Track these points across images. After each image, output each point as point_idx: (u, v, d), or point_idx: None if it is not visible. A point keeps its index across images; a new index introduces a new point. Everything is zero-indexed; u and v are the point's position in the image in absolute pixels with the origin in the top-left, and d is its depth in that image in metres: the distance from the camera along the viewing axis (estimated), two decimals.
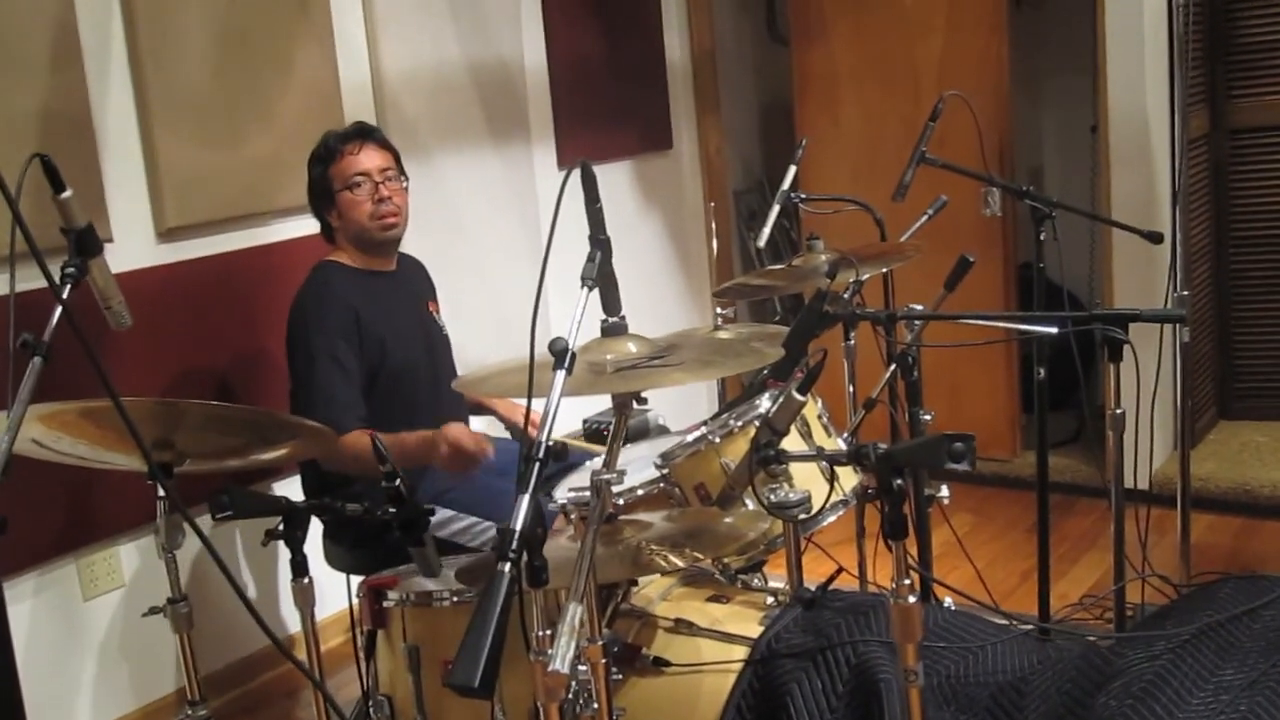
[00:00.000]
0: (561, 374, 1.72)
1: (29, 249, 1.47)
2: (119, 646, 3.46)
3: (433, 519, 2.41)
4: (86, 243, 2.11)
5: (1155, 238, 3.20)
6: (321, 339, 3.01)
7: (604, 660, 1.87)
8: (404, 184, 3.16)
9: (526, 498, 1.60)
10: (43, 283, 1.97)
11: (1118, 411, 2.65)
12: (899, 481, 1.68)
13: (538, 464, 1.64)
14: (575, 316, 1.82)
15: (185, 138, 3.49)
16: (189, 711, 2.25)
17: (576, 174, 1.91)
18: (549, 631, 1.62)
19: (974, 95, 3.47)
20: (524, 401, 2.05)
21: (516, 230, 4.36)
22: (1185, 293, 3.38)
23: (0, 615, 1.19)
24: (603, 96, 4.76)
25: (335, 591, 2.89)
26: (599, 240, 1.92)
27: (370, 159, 3.10)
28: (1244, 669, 2.10)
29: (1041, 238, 3.14)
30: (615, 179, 4.82)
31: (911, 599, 1.71)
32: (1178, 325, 3.42)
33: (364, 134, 3.15)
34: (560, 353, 1.73)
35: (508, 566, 1.54)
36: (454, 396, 3.22)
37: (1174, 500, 3.52)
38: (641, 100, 4.99)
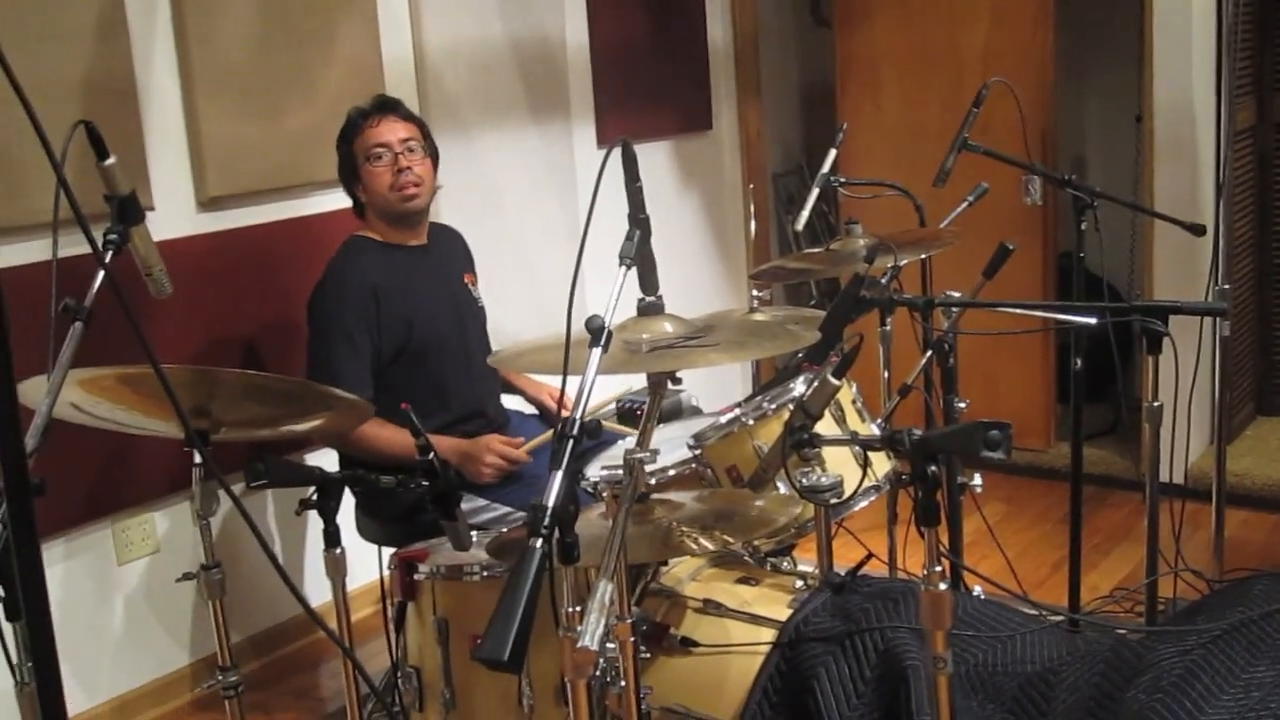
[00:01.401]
0: (598, 351, 1.72)
1: (73, 215, 1.48)
2: (151, 611, 3.50)
3: (464, 505, 2.43)
4: (129, 210, 2.12)
5: (1198, 230, 3.17)
6: (336, 316, 3.04)
7: (632, 638, 1.88)
8: (426, 155, 3.16)
9: (560, 474, 1.60)
10: (85, 249, 1.98)
11: (1155, 404, 2.62)
12: (933, 468, 1.68)
13: (571, 441, 1.64)
14: (612, 295, 1.82)
15: (227, 109, 3.51)
16: (220, 677, 2.26)
17: (617, 152, 1.90)
18: (579, 608, 1.63)
19: (1018, 83, 3.43)
20: (553, 380, 2.06)
21: (555, 208, 4.36)
22: (1227, 286, 3.34)
23: (39, 577, 1.20)
24: (644, 76, 4.74)
25: (365, 563, 2.91)
26: (638, 219, 1.91)
27: (391, 131, 3.10)
28: (1276, 666, 2.09)
29: (1083, 228, 3.11)
30: (654, 159, 4.81)
31: (942, 586, 1.71)
32: (1218, 319, 3.38)
33: (384, 107, 3.15)
34: (597, 330, 1.73)
35: (539, 542, 1.54)
36: (486, 372, 3.23)
37: (1209, 495, 3.49)
38: (682, 81, 4.97)
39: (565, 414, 1.62)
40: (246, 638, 3.68)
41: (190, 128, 3.48)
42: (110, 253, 2.09)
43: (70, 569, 3.29)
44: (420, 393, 3.04)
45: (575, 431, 1.64)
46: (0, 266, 2.94)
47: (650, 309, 2.02)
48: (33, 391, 1.91)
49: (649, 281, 1.97)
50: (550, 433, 3.07)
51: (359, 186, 3.14)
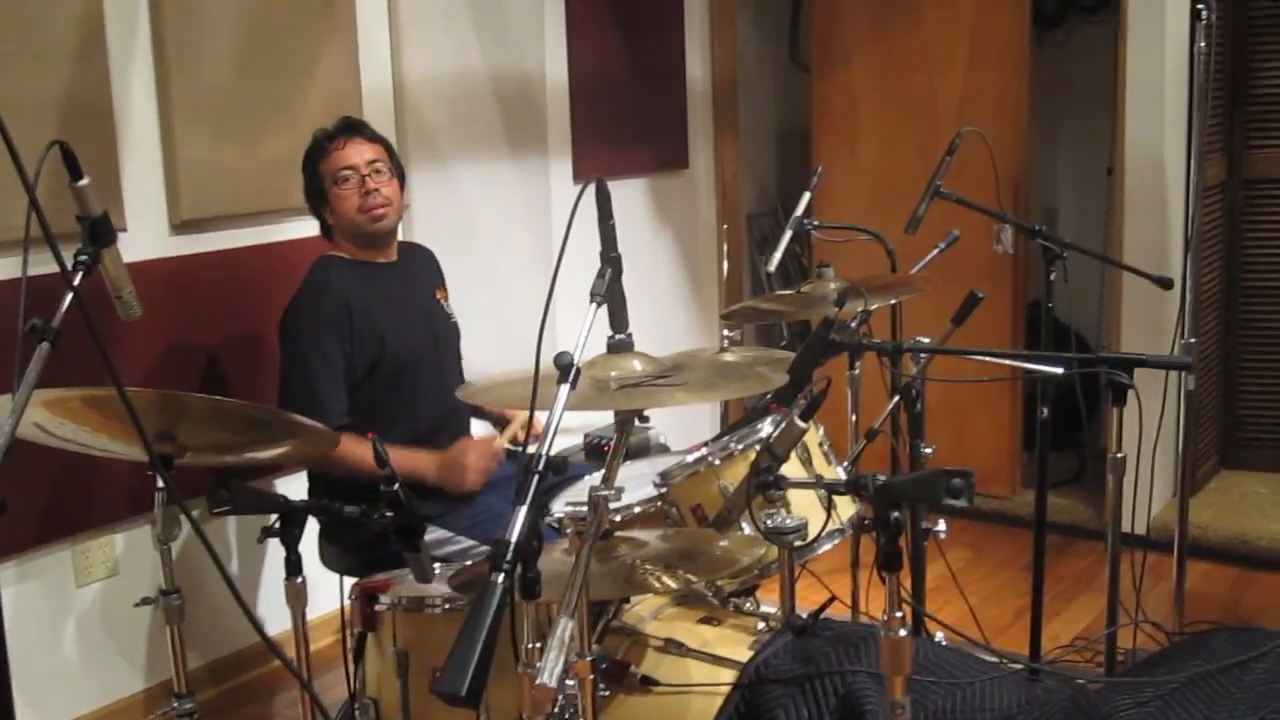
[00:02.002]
0: (565, 388, 1.72)
1: (43, 234, 1.48)
2: (108, 635, 3.46)
3: (428, 538, 2.41)
4: (101, 231, 2.11)
5: (1165, 283, 3.20)
6: (310, 332, 3.03)
7: (592, 676, 1.87)
8: (393, 175, 3.16)
9: (524, 509, 1.60)
10: (54, 268, 1.97)
11: (1119, 455, 2.64)
12: (896, 514, 1.68)
13: (537, 476, 1.64)
14: (582, 331, 1.82)
15: (204, 132, 3.51)
16: (175, 704, 2.24)
17: (591, 190, 1.91)
18: (539, 644, 1.63)
19: (992, 132, 3.47)
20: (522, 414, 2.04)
21: (529, 242, 4.37)
22: (1192, 340, 3.37)
23: None
24: (621, 113, 4.77)
25: (326, 593, 2.89)
26: (610, 257, 1.92)
27: (357, 153, 3.11)
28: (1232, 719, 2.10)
29: (1052, 278, 3.14)
30: (630, 196, 4.84)
31: (902, 632, 1.71)
32: (1183, 372, 3.42)
33: (350, 129, 3.16)
34: (565, 367, 1.73)
35: (501, 577, 1.54)
36: (457, 387, 3.23)
37: (1171, 547, 3.50)
38: (660, 119, 5.00)
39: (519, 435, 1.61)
40: (204, 664, 3.64)
41: (166, 150, 3.47)
42: (80, 274, 2.07)
43: (27, 590, 3.26)
44: (392, 407, 3.04)
45: (540, 467, 1.64)
46: None
47: (620, 346, 2.02)
48: None
49: (619, 319, 1.98)
50: (523, 415, 3.06)
51: (326, 209, 3.15)
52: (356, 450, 2.92)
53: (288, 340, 3.08)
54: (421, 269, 3.37)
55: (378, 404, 3.06)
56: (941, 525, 2.98)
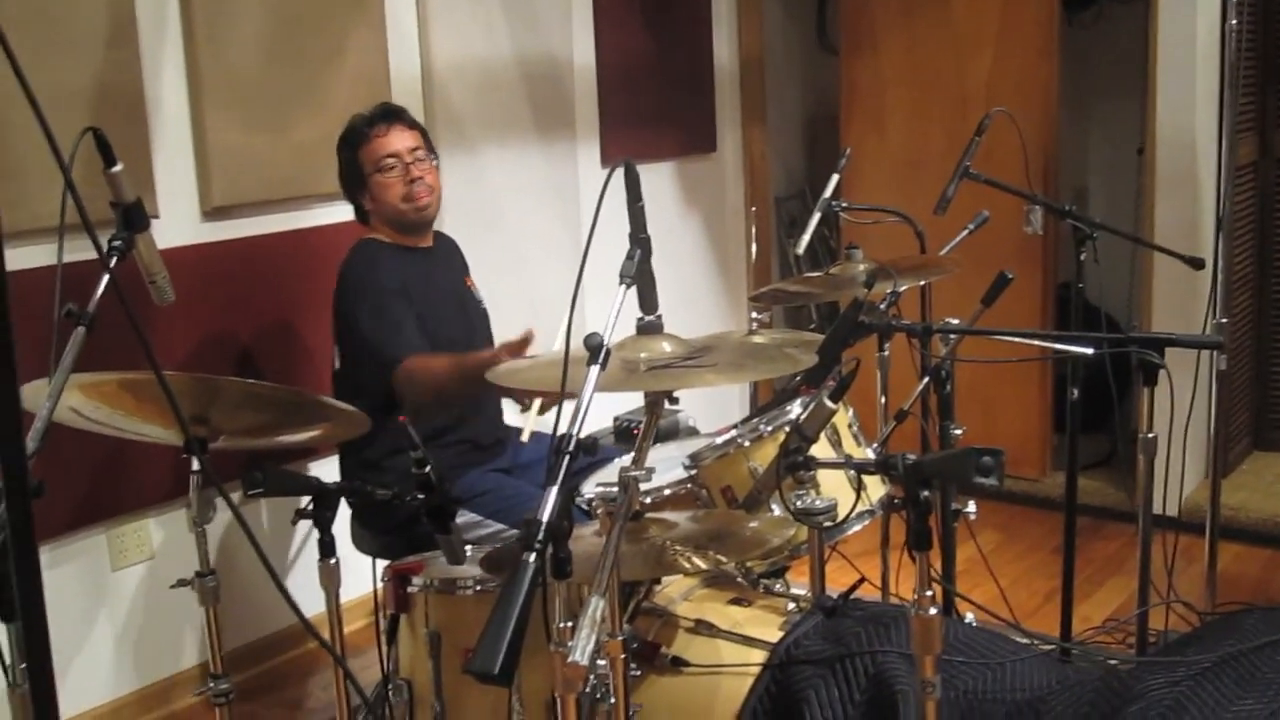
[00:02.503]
0: (595, 369, 1.73)
1: (80, 219, 1.49)
2: (144, 618, 3.50)
3: (459, 520, 2.42)
4: (134, 217, 2.13)
5: (1197, 263, 3.18)
6: (378, 293, 3.02)
7: (623, 655, 1.88)
8: (434, 162, 3.17)
9: (554, 489, 1.61)
10: (88, 255, 1.99)
11: (1150, 436, 2.64)
12: (926, 493, 1.68)
13: (567, 457, 1.65)
14: (612, 313, 1.82)
15: (235, 119, 3.53)
16: (211, 685, 2.27)
17: (620, 172, 1.92)
18: (570, 623, 1.64)
19: (1021, 113, 3.46)
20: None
21: (557, 226, 4.38)
22: (1224, 320, 3.35)
23: (36, 581, 1.20)
24: (649, 97, 4.77)
25: (358, 577, 2.91)
26: (639, 239, 1.92)
27: (400, 140, 3.11)
28: (1264, 699, 2.09)
29: (1082, 258, 3.13)
30: (657, 179, 4.84)
31: (933, 611, 1.71)
32: (1215, 352, 3.40)
33: (390, 115, 3.15)
34: (595, 348, 1.74)
35: (532, 556, 1.55)
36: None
37: (1203, 529, 3.49)
38: (687, 103, 5.00)
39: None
40: (237, 648, 3.67)
41: (197, 137, 3.50)
42: (115, 259, 2.10)
43: (64, 574, 3.30)
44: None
45: (571, 447, 1.64)
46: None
47: (649, 328, 2.02)
48: (34, 395, 1.92)
49: (649, 300, 1.98)
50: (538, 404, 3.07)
51: (365, 195, 3.15)
52: (432, 364, 2.93)
53: (352, 305, 3.04)
54: (453, 256, 3.39)
55: None
56: (971, 507, 2.99)
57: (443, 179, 3.25)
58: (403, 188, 3.09)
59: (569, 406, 1.72)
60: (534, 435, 3.02)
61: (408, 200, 3.09)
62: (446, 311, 3.18)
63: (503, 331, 3.43)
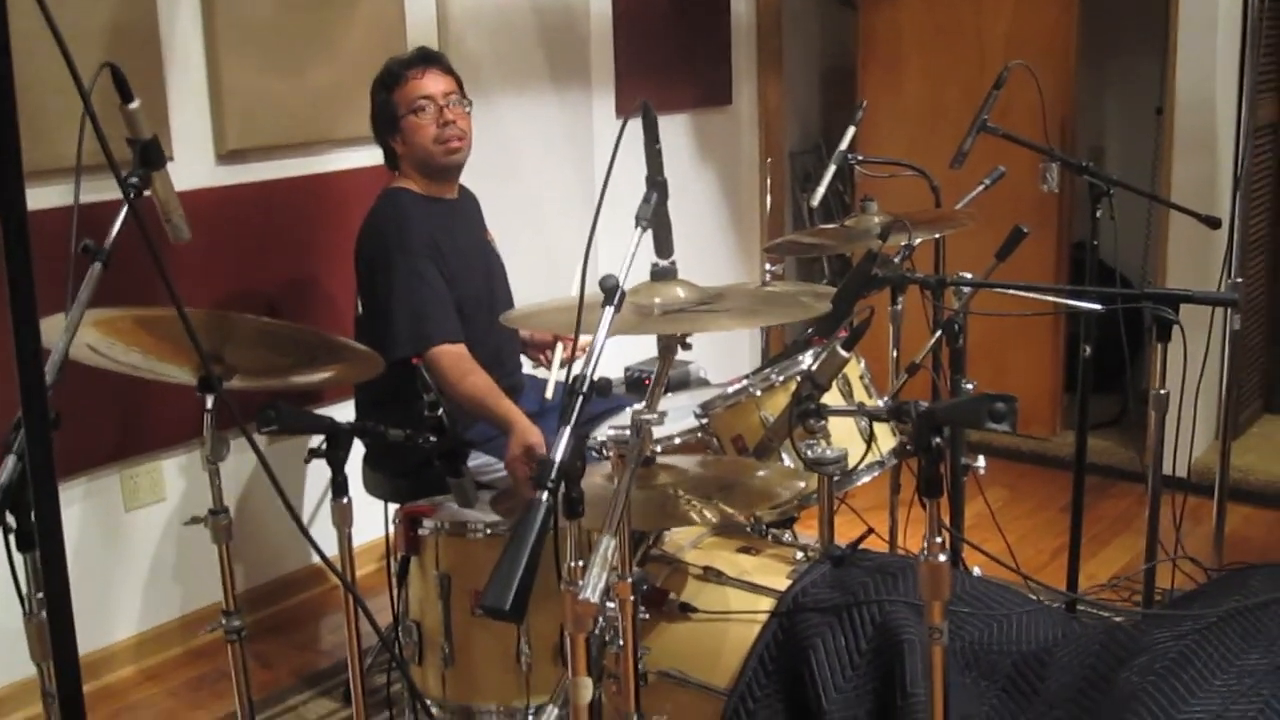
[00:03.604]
0: (610, 310, 1.73)
1: (100, 155, 1.50)
2: (157, 559, 3.53)
3: (472, 464, 2.42)
4: (151, 154, 2.12)
5: (1213, 223, 3.17)
6: (406, 257, 3.00)
7: (632, 598, 1.90)
8: (467, 109, 3.16)
9: (568, 429, 1.61)
10: (105, 195, 1.99)
11: (1162, 392, 2.63)
12: (937, 440, 1.69)
13: (580, 398, 1.65)
14: (628, 255, 1.82)
15: (250, 62, 3.52)
16: (224, 621, 2.29)
17: (636, 122, 1.91)
18: (580, 563, 1.65)
19: (1039, 69, 3.43)
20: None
21: (571, 176, 4.37)
22: (1239, 280, 3.35)
23: (55, 517, 1.22)
24: (665, 48, 4.74)
25: (369, 522, 2.93)
26: (656, 181, 1.92)
27: (435, 83, 3.10)
28: (1269, 654, 2.10)
29: (1098, 215, 3.11)
30: (672, 131, 4.82)
31: (941, 557, 1.72)
32: (1229, 310, 3.39)
33: (428, 59, 3.14)
34: (611, 289, 1.74)
35: (545, 495, 1.56)
36: (507, 328, 3.25)
37: (1211, 490, 3.50)
38: (703, 55, 4.97)
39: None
40: (246, 590, 3.70)
41: (212, 80, 3.49)
42: (132, 195, 2.10)
43: (78, 514, 3.32)
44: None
45: (585, 388, 1.65)
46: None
47: (664, 274, 2.02)
48: (51, 330, 1.92)
49: (664, 244, 1.97)
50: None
51: (397, 138, 3.13)
52: (462, 373, 2.93)
53: (379, 267, 3.02)
54: (474, 210, 3.37)
55: None
56: (981, 461, 2.99)
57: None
58: (435, 130, 3.07)
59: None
60: (557, 387, 3.03)
61: (439, 142, 3.08)
62: (470, 267, 3.17)
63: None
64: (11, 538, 1.62)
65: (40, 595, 1.67)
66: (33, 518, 1.46)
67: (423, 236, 3.03)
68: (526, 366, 3.42)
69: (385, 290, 3.00)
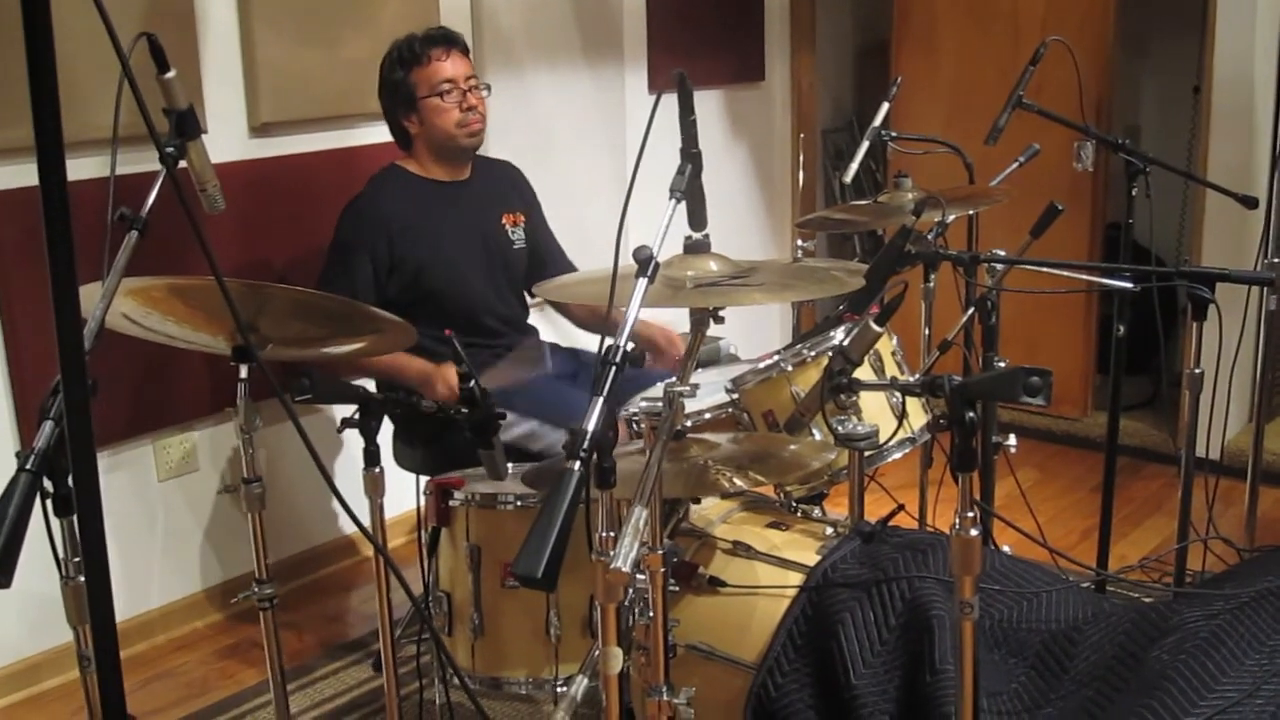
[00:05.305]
0: (644, 282, 1.72)
1: (139, 123, 1.50)
2: (189, 529, 3.56)
3: (517, 430, 2.41)
4: (187, 124, 2.14)
5: (1250, 202, 3.14)
6: (338, 250, 3.11)
7: (663, 569, 1.90)
8: (485, 93, 3.17)
9: (600, 399, 1.61)
10: (140, 167, 2.00)
11: (1196, 371, 2.61)
12: (971, 414, 1.68)
13: (614, 368, 1.65)
14: (661, 226, 1.82)
15: (284, 35, 3.53)
16: (256, 589, 2.31)
17: (671, 98, 1.90)
18: (612, 533, 1.65)
19: (1075, 46, 3.40)
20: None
21: (603, 152, 4.37)
22: (1277, 259, 3.32)
23: (93, 484, 1.23)
24: (698, 24, 4.73)
25: (400, 495, 2.95)
26: (690, 153, 1.91)
27: (458, 67, 3.10)
28: None
29: (1134, 193, 3.09)
30: (705, 108, 4.77)
31: (974, 532, 1.71)
32: (1265, 290, 3.36)
33: (450, 40, 3.14)
34: (644, 261, 1.73)
35: (577, 465, 1.56)
36: (514, 315, 3.28)
37: (1244, 473, 3.47)
38: (736, 31, 4.95)
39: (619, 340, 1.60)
40: (277, 560, 3.73)
41: (245, 53, 3.49)
42: (171, 165, 2.11)
43: (111, 482, 3.35)
44: (430, 329, 2.88)
45: (618, 359, 1.65)
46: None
47: (697, 247, 2.01)
48: (88, 297, 1.93)
49: (698, 217, 1.96)
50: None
51: (412, 118, 3.13)
52: (382, 359, 3.02)
53: (332, 240, 3.16)
54: (494, 189, 3.33)
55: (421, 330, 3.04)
56: (1012, 439, 2.97)
57: (489, 102, 3.23)
58: (459, 114, 3.08)
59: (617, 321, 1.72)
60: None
61: (462, 126, 3.09)
62: (463, 249, 3.17)
63: None
64: (49, 503, 1.64)
65: (77, 560, 1.69)
66: (70, 482, 1.47)
67: (376, 223, 3.08)
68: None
69: (319, 275, 3.14)
